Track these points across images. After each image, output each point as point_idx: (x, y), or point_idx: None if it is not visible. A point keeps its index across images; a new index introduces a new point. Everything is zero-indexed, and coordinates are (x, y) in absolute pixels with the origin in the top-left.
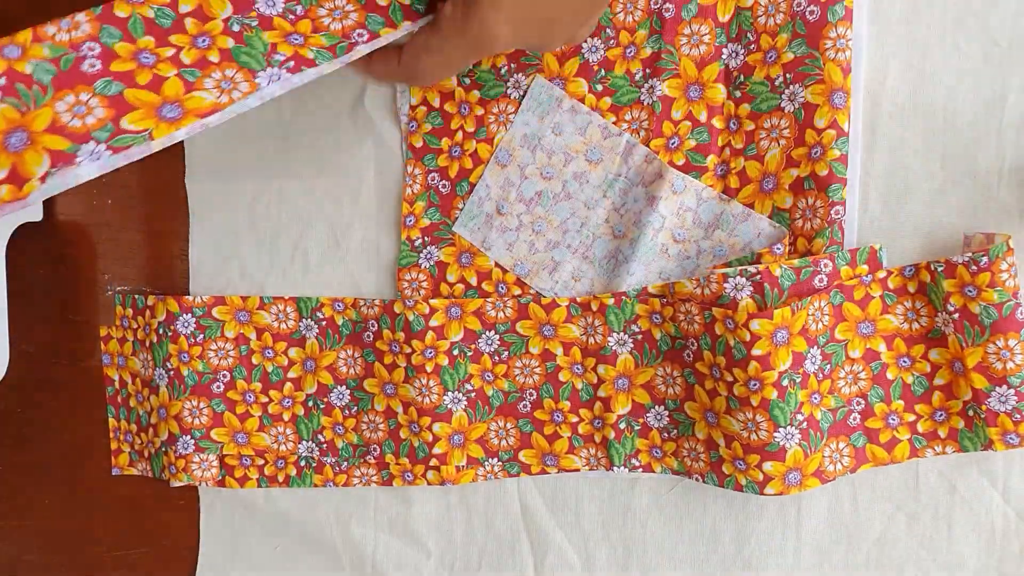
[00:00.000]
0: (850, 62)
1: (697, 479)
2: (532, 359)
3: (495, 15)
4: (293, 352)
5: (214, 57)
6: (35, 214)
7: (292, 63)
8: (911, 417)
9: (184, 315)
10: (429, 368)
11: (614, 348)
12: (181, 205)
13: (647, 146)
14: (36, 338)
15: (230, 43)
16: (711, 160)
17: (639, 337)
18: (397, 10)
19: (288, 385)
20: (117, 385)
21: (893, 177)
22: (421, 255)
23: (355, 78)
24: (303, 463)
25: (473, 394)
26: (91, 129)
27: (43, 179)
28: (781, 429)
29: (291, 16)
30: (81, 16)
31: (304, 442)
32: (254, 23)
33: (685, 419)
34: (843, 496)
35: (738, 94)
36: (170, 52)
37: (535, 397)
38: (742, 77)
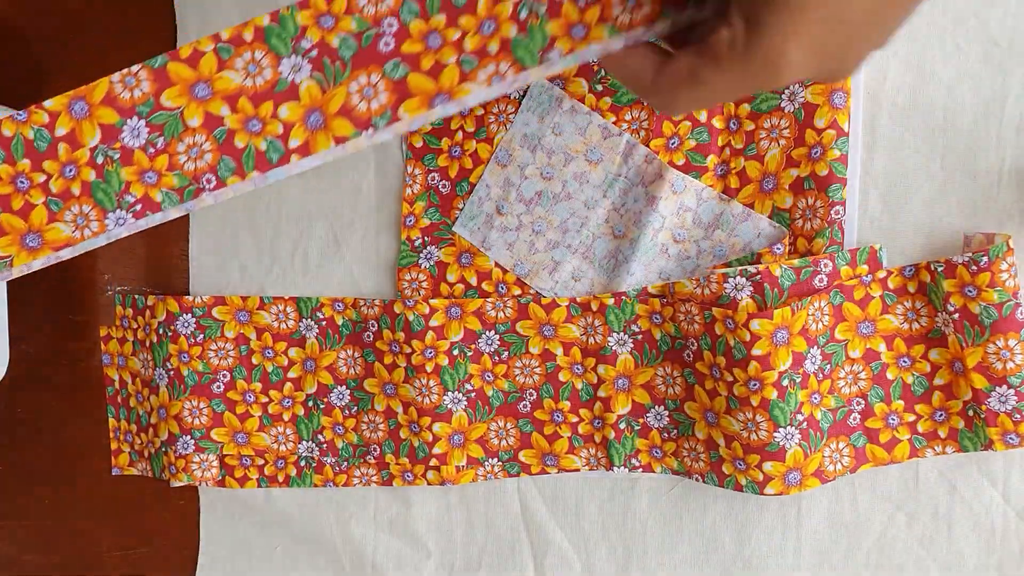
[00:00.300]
0: None
1: (697, 479)
2: (532, 359)
3: (791, 41)
4: (293, 352)
5: (76, 189)
6: None
7: (139, 207)
8: (911, 417)
9: (184, 315)
10: (429, 368)
11: (614, 348)
12: None
13: (647, 146)
14: (36, 338)
15: (92, 176)
16: (711, 160)
17: (639, 337)
18: (251, 156)
19: (288, 385)
20: (117, 385)
21: (893, 177)
22: (421, 255)
23: None
24: (303, 463)
25: (473, 394)
26: None
27: None
28: (781, 429)
29: (151, 149)
30: None
31: (304, 442)
32: (116, 156)
33: (685, 419)
34: (843, 496)
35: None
36: (42, 178)
37: (535, 397)
38: None
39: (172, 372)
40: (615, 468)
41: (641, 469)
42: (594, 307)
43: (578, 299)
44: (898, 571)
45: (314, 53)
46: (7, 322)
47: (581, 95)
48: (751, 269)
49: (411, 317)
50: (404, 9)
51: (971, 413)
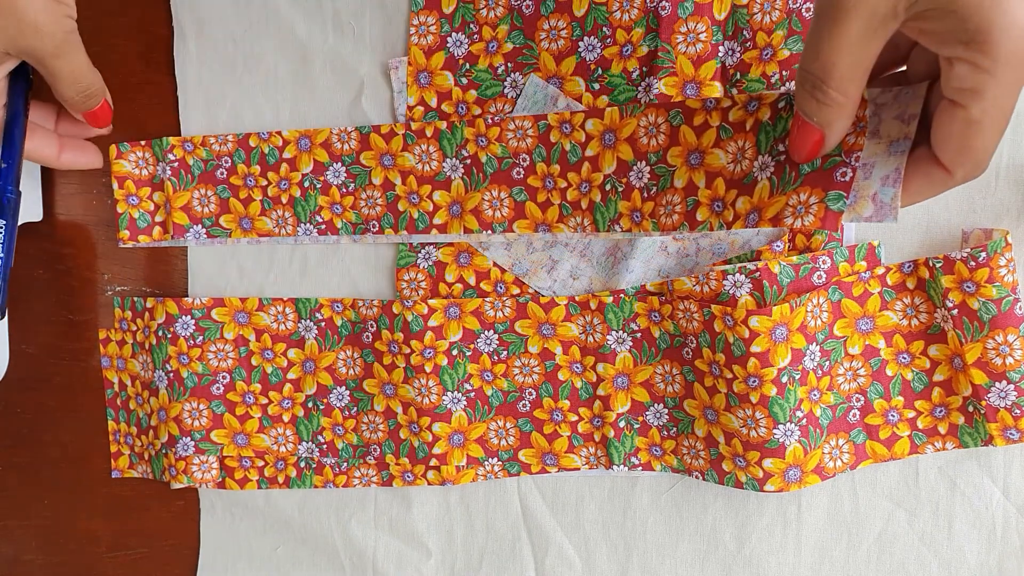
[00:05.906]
0: None
1: (697, 477)
2: (531, 358)
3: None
4: (292, 353)
5: (284, 199)
6: (35, 214)
7: (324, 227)
8: (911, 413)
9: (183, 317)
10: (428, 368)
11: (613, 346)
12: None
13: None
14: (36, 338)
15: (297, 193)
16: None
17: (638, 335)
18: (404, 219)
19: (288, 386)
20: (116, 388)
21: None
22: (419, 255)
23: (352, 76)
24: (303, 464)
25: (472, 394)
26: None
27: None
28: (780, 426)
29: (344, 189)
30: None
31: (304, 443)
32: (318, 185)
33: (685, 417)
34: (843, 493)
35: (735, 91)
36: (263, 183)
37: (534, 396)
38: (739, 75)
39: (172, 374)
40: (615, 467)
41: (641, 467)
42: (593, 305)
43: (577, 298)
44: (899, 567)
45: (468, 161)
46: (7, 322)
47: (578, 94)
48: (750, 266)
49: (410, 317)
50: (536, 152)
51: (971, 409)
